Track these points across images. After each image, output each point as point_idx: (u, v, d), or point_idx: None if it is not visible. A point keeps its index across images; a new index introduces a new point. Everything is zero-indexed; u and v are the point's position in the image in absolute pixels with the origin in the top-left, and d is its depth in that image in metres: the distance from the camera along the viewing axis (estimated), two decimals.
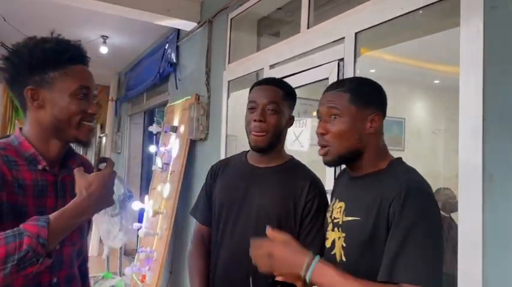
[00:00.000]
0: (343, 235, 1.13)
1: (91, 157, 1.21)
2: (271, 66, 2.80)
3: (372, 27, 2.02)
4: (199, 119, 3.65)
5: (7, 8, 4.27)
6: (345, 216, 1.14)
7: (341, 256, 1.14)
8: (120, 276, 4.86)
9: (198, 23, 3.97)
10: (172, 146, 4.03)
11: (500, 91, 1.42)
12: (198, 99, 3.77)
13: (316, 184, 1.47)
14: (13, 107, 7.78)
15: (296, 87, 1.61)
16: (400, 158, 1.18)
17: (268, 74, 2.81)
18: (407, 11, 1.81)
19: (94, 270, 5.39)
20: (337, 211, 1.19)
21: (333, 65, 2.19)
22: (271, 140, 1.43)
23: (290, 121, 1.52)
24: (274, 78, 1.58)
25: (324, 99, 1.19)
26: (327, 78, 2.22)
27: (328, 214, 1.27)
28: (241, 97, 3.45)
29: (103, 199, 1.02)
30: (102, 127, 7.31)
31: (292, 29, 3.42)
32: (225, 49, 3.48)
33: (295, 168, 1.51)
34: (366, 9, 2.05)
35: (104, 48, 5.26)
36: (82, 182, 1.00)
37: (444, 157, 3.49)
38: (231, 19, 3.45)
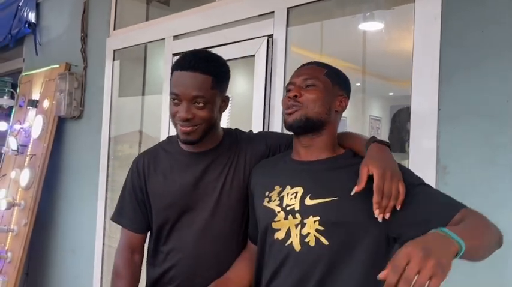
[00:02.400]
0: (317, 218, 1.05)
1: None
2: (176, 37, 2.45)
3: (308, 3, 1.87)
4: (73, 93, 3.06)
5: None
6: (311, 199, 1.09)
7: (315, 241, 1.05)
8: None
9: None
10: (32, 125, 3.32)
11: (456, 80, 1.42)
12: (70, 69, 3.17)
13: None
14: None
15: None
16: (349, 149, 1.21)
17: (171, 45, 2.46)
18: None
19: None
20: (290, 197, 1.12)
21: (260, 41, 1.99)
22: (202, 134, 1.21)
23: (225, 104, 1.28)
24: (203, 57, 1.21)
25: (299, 72, 1.19)
26: (253, 55, 2.01)
27: (271, 203, 1.16)
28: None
29: None
30: None
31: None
32: (109, 13, 2.97)
33: (236, 140, 1.34)
34: None
35: None
36: None
37: None
38: None
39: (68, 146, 3.23)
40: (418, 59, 1.52)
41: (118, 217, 1.35)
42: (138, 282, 1.33)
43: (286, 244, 1.08)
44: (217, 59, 1.26)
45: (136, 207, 1.31)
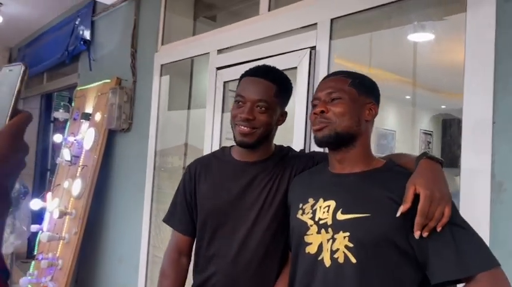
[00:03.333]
0: (347, 234, 1.02)
1: None
2: (220, 51, 2.48)
3: (352, 13, 1.82)
4: (122, 106, 3.17)
5: None
6: (343, 214, 1.05)
7: (344, 258, 1.01)
8: None
9: None
10: (85, 137, 3.46)
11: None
12: (120, 84, 3.29)
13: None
14: None
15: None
16: (390, 160, 1.16)
17: (215, 59, 2.49)
18: None
19: None
20: (323, 211, 1.09)
21: (303, 53, 1.96)
22: (259, 138, 1.27)
23: (282, 118, 1.35)
24: (270, 68, 1.33)
25: (323, 86, 1.16)
26: (295, 68, 1.98)
27: (304, 216, 1.14)
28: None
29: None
30: None
31: (232, 14, 3.14)
32: (158, 29, 3.06)
33: (286, 156, 1.38)
34: None
35: None
36: None
37: None
38: None
39: (117, 158, 3.33)
40: (470, 69, 1.43)
41: (168, 218, 1.43)
42: (184, 284, 1.37)
43: (318, 258, 1.06)
44: (283, 73, 1.35)
45: (185, 210, 1.37)
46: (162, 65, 2.96)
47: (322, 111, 1.10)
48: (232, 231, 1.27)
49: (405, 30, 2.11)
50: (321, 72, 1.90)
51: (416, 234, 0.93)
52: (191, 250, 1.40)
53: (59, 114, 3.85)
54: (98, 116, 3.41)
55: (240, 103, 1.26)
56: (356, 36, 2.01)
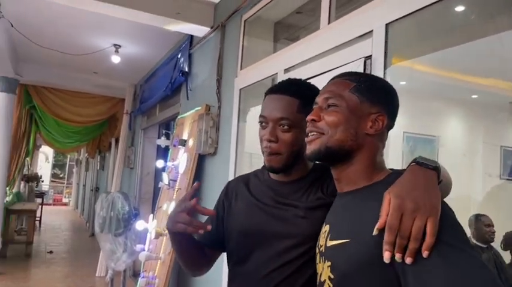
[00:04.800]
0: (329, 264, 0.90)
1: None
2: (286, 70, 2.43)
3: (406, 15, 1.63)
4: (209, 131, 3.30)
5: (15, 13, 4.07)
6: (330, 240, 0.91)
7: None
8: None
9: (211, 28, 3.66)
10: (180, 161, 3.68)
11: None
12: (209, 110, 3.43)
13: None
14: (31, 120, 7.72)
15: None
16: (403, 170, 0.91)
17: (282, 78, 2.44)
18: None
19: None
20: (322, 237, 0.97)
21: (357, 63, 1.81)
22: (286, 161, 1.17)
23: None
24: (291, 82, 1.25)
25: (323, 89, 1.02)
26: None
27: (318, 243, 1.03)
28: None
29: None
30: (117, 141, 7.07)
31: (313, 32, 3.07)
32: (237, 54, 3.15)
33: (323, 174, 1.21)
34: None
35: (115, 58, 5.03)
36: None
37: (479, 180, 3.03)
38: (244, 21, 3.12)
39: (206, 181, 3.46)
40: None
41: None
42: (198, 254, 1.31)
43: None
44: (307, 84, 1.25)
45: (214, 220, 1.30)
46: (240, 89, 3.01)
47: (314, 120, 0.97)
48: (262, 247, 1.17)
49: None
50: None
51: (385, 256, 0.74)
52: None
53: (161, 141, 4.17)
54: (190, 142, 3.61)
55: (263, 124, 1.19)
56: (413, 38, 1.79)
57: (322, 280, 0.92)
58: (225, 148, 3.17)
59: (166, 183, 3.76)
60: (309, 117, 0.98)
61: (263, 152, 1.20)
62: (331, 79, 1.04)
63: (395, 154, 2.57)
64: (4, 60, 5.19)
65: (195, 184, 1.16)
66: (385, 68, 1.71)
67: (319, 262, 0.96)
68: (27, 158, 9.15)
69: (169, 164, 3.92)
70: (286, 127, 1.14)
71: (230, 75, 3.21)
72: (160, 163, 4.08)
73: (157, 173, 6.11)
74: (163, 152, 6.05)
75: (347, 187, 0.97)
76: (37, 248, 7.60)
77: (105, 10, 3.53)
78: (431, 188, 0.79)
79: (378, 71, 1.72)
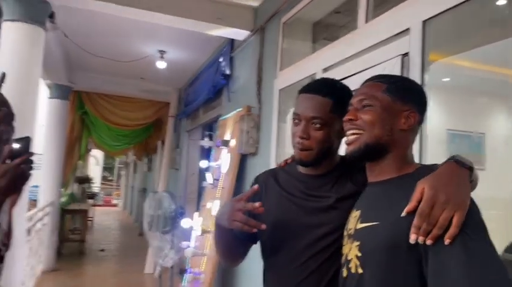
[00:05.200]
0: (357, 243, 0.99)
1: None
2: (325, 70, 2.48)
3: (443, 12, 1.64)
4: (250, 131, 3.40)
5: (68, 24, 4.35)
6: (360, 223, 1.01)
7: (356, 268, 0.98)
8: None
9: (251, 31, 3.76)
10: (223, 161, 3.80)
11: None
12: (249, 111, 3.53)
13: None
14: (83, 125, 8.15)
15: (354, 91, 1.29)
16: (433, 165, 0.99)
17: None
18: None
19: None
20: (352, 221, 1.06)
21: (394, 61, 1.83)
22: (316, 157, 1.22)
23: (343, 132, 1.24)
24: (325, 82, 1.30)
25: (357, 92, 1.10)
26: None
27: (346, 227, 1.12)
28: None
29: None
30: (163, 144, 7.34)
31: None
32: (277, 56, 3.22)
33: (349, 167, 1.27)
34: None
35: (161, 63, 5.24)
36: None
37: None
38: (283, 23, 3.19)
39: (247, 179, 3.55)
40: None
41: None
42: (236, 247, 1.38)
43: (343, 269, 1.06)
44: (340, 84, 1.29)
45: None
46: (280, 90, 3.08)
47: (351, 119, 1.05)
48: (292, 243, 1.23)
49: None
50: (416, 79, 1.74)
51: (411, 237, 0.83)
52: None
53: (204, 142, 4.33)
54: (233, 142, 3.72)
55: (296, 121, 1.25)
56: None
57: (349, 258, 1.00)
58: (265, 147, 3.25)
59: (211, 182, 3.89)
60: (346, 118, 1.06)
61: (294, 147, 1.25)
62: (364, 82, 1.12)
63: (438, 151, 2.55)
64: (58, 68, 5.55)
65: (256, 186, 1.23)
66: (422, 65, 1.73)
67: (346, 243, 1.04)
68: (80, 161, 9.63)
69: (212, 164, 4.05)
70: (318, 125, 1.19)
71: (270, 77, 3.29)
72: (204, 164, 4.22)
73: (201, 173, 6.29)
74: (207, 153, 6.24)
75: (379, 177, 1.05)
76: (90, 247, 8.02)
77: (151, 18, 3.72)
78: (463, 185, 0.87)
79: (415, 68, 1.74)
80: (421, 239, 0.81)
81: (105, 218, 13.58)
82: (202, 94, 5.09)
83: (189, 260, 4.04)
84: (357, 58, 2.17)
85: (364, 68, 2.06)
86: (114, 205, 19.86)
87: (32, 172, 1.13)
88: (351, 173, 1.22)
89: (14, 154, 1.09)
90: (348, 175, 1.23)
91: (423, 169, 0.98)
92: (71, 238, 7.89)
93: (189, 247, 3.79)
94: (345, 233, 1.08)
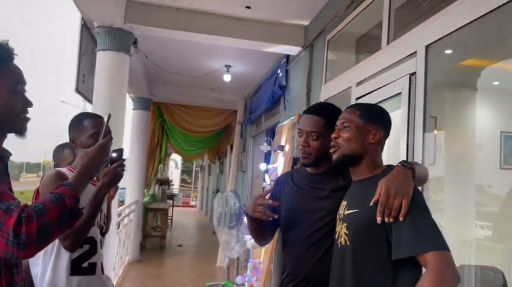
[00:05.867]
0: (345, 224, 1.38)
1: None
2: (358, 84, 2.85)
3: (441, 38, 1.97)
4: None
5: (148, 47, 5.10)
6: (346, 210, 1.40)
7: (345, 241, 1.37)
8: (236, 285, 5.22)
9: (302, 47, 4.19)
10: (278, 164, 4.26)
11: None
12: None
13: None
14: (163, 132, 9.07)
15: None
16: (392, 165, 1.40)
17: (355, 91, 2.87)
18: (470, 20, 1.76)
19: (217, 278, 5.90)
20: (341, 208, 1.45)
21: (404, 80, 2.18)
22: (315, 160, 1.65)
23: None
24: (321, 105, 1.82)
25: (340, 116, 1.50)
26: (400, 93, 2.21)
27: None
28: None
29: (97, 159, 1.32)
30: (232, 148, 7.98)
31: None
32: (322, 70, 3.62)
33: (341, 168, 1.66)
34: (435, 21, 2.01)
35: (227, 76, 5.85)
36: (82, 152, 1.39)
37: None
38: (328, 41, 3.59)
39: None
40: None
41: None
42: (263, 229, 1.76)
43: (336, 243, 1.45)
44: (332, 107, 1.73)
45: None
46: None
47: (335, 137, 1.46)
48: (300, 222, 1.64)
49: None
50: (419, 95, 2.08)
51: (377, 219, 1.23)
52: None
53: (264, 147, 4.81)
54: (287, 147, 4.17)
55: (300, 134, 1.68)
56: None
57: (340, 235, 1.40)
58: None
59: (268, 183, 4.37)
60: (332, 136, 1.46)
61: (299, 153, 1.70)
62: (346, 108, 1.52)
63: (492, 152, 2.78)
64: (141, 84, 6.41)
65: (270, 188, 1.71)
66: (425, 82, 2.06)
67: (338, 225, 1.45)
68: (160, 165, 10.61)
69: (270, 166, 4.53)
70: (314, 137, 1.62)
71: (317, 88, 3.70)
72: (263, 166, 4.72)
73: (265, 175, 6.81)
74: (269, 157, 6.75)
75: (357, 177, 1.45)
76: (169, 242, 8.88)
77: (217, 41, 4.31)
78: (407, 180, 1.28)
79: (419, 84, 2.08)
80: (386, 219, 1.22)
81: (183, 217, 14.57)
82: (263, 103, 5.60)
83: (251, 251, 4.55)
84: (379, 76, 2.53)
85: (384, 84, 2.42)
86: (192, 206, 20.94)
87: (124, 173, 1.67)
88: (343, 173, 1.63)
89: (112, 160, 1.64)
90: (341, 174, 1.64)
91: (387, 170, 1.36)
92: (153, 234, 8.79)
93: (251, 239, 4.29)
94: (337, 217, 1.47)
